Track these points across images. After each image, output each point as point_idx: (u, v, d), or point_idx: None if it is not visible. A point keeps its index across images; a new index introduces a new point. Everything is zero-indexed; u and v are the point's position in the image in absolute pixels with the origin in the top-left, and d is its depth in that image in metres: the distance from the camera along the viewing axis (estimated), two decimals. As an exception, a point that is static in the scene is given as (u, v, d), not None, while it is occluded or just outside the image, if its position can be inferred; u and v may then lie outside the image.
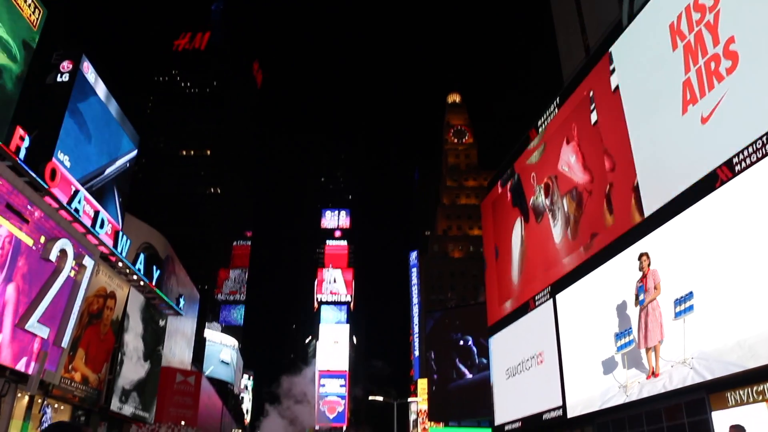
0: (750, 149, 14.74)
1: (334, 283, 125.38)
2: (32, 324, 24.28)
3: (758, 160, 14.49)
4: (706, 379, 15.53)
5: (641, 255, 18.93)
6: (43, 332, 25.14)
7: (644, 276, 18.69)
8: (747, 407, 14.81)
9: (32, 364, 24.56)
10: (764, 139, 14.35)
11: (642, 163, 19.45)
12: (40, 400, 27.85)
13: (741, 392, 14.97)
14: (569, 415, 23.22)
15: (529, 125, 29.77)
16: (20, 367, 23.80)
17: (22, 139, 23.25)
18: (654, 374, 17.89)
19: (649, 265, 18.54)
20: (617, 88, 21.25)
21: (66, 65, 28.79)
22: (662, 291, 17.78)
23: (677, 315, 16.96)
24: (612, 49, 21.87)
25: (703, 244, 16.21)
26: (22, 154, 23.14)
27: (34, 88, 26.96)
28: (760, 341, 13.88)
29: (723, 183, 15.58)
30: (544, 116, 27.95)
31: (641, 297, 18.53)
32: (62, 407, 30.91)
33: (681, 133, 17.70)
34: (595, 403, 21.20)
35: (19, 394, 25.74)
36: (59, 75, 28.57)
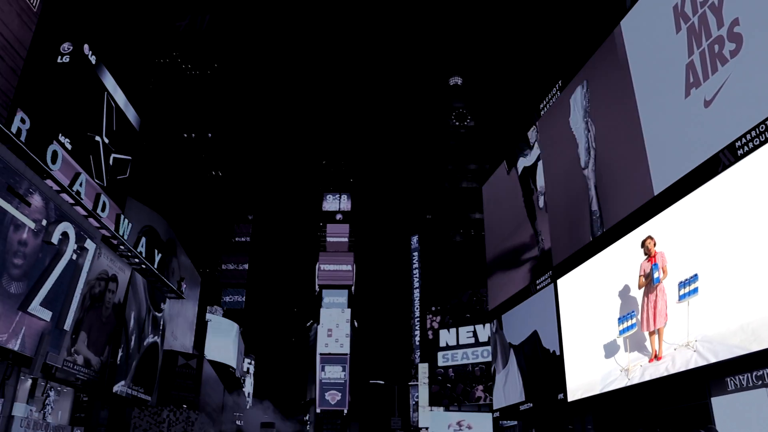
0: (753, 133, 14.68)
1: (335, 267, 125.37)
2: (35, 307, 24.35)
3: (761, 144, 14.44)
4: (709, 362, 15.49)
5: (647, 237, 18.87)
6: (46, 315, 25.21)
7: (651, 257, 18.61)
8: (746, 393, 14.84)
9: (35, 346, 24.64)
10: (767, 123, 14.29)
11: (648, 145, 19.37)
12: (43, 383, 27.98)
13: (741, 377, 14.98)
14: (570, 398, 23.31)
15: (531, 108, 29.67)
16: (21, 349, 23.87)
17: (23, 121, 23.19)
18: (657, 357, 17.91)
19: (655, 245, 18.47)
20: (628, 67, 21.11)
21: (66, 47, 28.65)
22: (669, 273, 17.75)
23: (681, 297, 16.94)
24: (616, 31, 21.78)
25: (709, 227, 16.15)
26: (23, 137, 23.09)
27: (35, 70, 26.82)
28: (763, 325, 13.86)
29: (726, 167, 15.53)
30: (546, 99, 27.85)
31: (656, 275, 18.32)
32: (65, 390, 31.04)
33: (684, 116, 17.62)
34: (596, 387, 21.26)
35: (22, 377, 25.87)
36: (60, 57, 28.45)
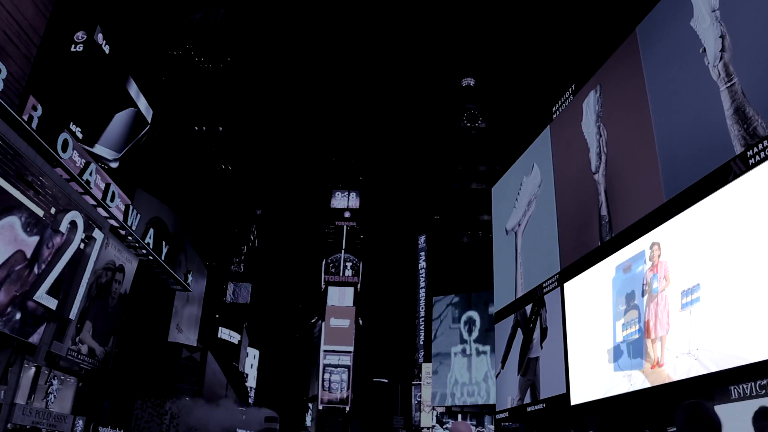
0: (765, 143, 14.58)
1: (341, 265, 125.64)
2: (40, 295, 24.42)
3: (773, 153, 14.36)
4: (710, 371, 15.47)
5: (653, 244, 18.82)
6: (51, 303, 25.29)
7: (654, 265, 18.58)
8: (750, 401, 14.75)
9: (39, 334, 24.72)
10: (780, 132, 14.22)
11: (660, 152, 19.31)
12: (46, 372, 28.06)
13: (744, 386, 14.90)
14: (573, 402, 23.26)
15: (543, 111, 29.60)
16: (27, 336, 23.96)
17: (34, 108, 23.27)
18: (659, 364, 17.85)
19: (659, 255, 18.43)
20: (642, 73, 21.04)
21: (80, 36, 28.74)
22: (671, 282, 17.71)
23: (684, 306, 16.87)
24: (631, 36, 21.72)
25: (713, 236, 16.07)
26: (34, 124, 23.18)
27: (49, 58, 26.92)
28: (763, 336, 13.84)
29: (736, 176, 15.44)
30: (559, 102, 27.78)
31: (655, 285, 18.34)
32: (69, 379, 31.13)
33: (697, 123, 17.55)
34: (599, 392, 21.20)
35: (26, 365, 25.95)
36: (73, 45, 28.55)
